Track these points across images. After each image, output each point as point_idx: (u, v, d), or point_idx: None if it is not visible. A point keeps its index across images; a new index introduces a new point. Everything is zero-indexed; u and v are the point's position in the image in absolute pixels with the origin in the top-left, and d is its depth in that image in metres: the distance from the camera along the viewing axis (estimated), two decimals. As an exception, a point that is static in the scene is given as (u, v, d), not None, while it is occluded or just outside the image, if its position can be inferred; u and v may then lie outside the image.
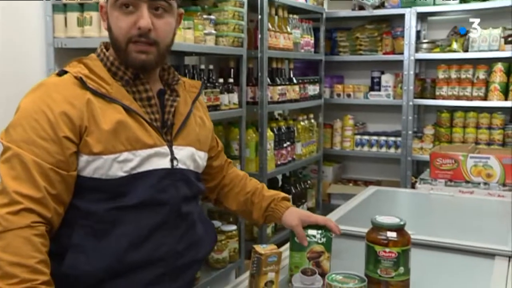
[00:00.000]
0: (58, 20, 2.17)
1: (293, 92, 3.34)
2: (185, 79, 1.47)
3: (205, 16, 2.54)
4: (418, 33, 3.89)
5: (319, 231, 1.38)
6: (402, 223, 1.28)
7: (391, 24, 4.05)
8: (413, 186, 3.54)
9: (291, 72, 3.48)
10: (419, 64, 4.03)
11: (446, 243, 1.63)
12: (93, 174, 1.20)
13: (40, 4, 2.16)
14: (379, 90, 4.05)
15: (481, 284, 1.38)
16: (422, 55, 3.81)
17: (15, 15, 2.09)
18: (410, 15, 3.76)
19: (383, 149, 4.03)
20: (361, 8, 3.98)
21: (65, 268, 1.19)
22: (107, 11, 1.28)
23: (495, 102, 3.59)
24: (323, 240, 1.37)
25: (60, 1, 2.17)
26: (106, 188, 1.21)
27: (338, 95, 4.16)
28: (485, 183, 2.65)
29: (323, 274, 1.27)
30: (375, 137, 4.06)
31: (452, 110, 3.84)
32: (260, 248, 1.25)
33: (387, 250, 1.25)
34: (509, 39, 3.51)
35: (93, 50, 1.38)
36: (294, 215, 1.43)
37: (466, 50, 3.64)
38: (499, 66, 3.58)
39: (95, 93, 1.22)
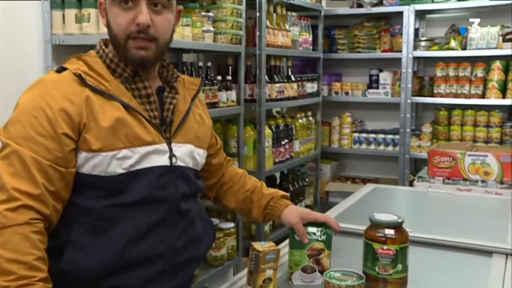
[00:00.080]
0: (56, 17, 2.16)
1: (291, 89, 3.33)
2: (185, 76, 1.47)
3: (203, 13, 2.53)
4: (416, 30, 3.89)
5: (319, 229, 1.38)
6: (400, 220, 1.29)
7: (390, 22, 4.05)
8: (411, 184, 3.55)
9: (289, 70, 3.48)
10: (417, 62, 4.03)
11: (444, 240, 1.63)
12: (92, 171, 1.20)
13: (38, 1, 2.15)
14: (377, 87, 4.05)
15: (478, 282, 1.38)
16: (420, 53, 3.81)
17: (13, 12, 2.09)
18: (408, 12, 3.76)
19: (381, 147, 4.03)
20: (360, 5, 3.98)
21: (63, 265, 1.19)
22: (106, 8, 1.27)
23: (493, 100, 3.59)
24: (323, 237, 1.37)
25: (58, -2, 2.16)
26: (105, 185, 1.21)
27: (336, 92, 4.16)
28: (482, 181, 2.65)
29: (323, 272, 1.27)
30: (373, 135, 4.06)
31: (450, 108, 3.84)
32: (258, 245, 1.25)
33: (385, 247, 1.25)
34: (507, 37, 3.51)
35: (91, 47, 1.37)
36: (293, 212, 1.43)
37: (464, 48, 3.64)
38: (497, 64, 3.59)
39: (94, 90, 1.22)
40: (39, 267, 1.09)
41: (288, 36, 3.28)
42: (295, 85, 3.40)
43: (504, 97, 3.58)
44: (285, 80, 3.29)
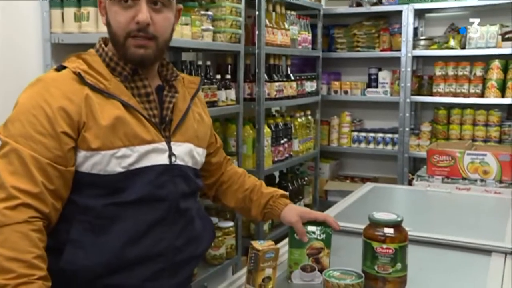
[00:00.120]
0: (55, 15, 2.16)
1: (290, 88, 3.33)
2: (184, 75, 1.47)
3: (202, 12, 2.53)
4: (415, 30, 3.89)
5: (319, 228, 1.38)
6: (399, 219, 1.29)
7: (389, 21, 4.05)
8: (410, 183, 3.55)
9: (289, 69, 3.48)
10: (416, 61, 4.03)
11: (443, 239, 1.63)
12: (91, 169, 1.20)
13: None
14: (376, 87, 4.05)
15: (477, 280, 1.38)
16: (419, 52, 3.81)
17: (12, 11, 2.08)
18: (407, 11, 3.76)
19: (380, 146, 4.03)
20: (359, 4, 3.98)
21: (63, 263, 1.18)
22: (106, 6, 1.27)
23: (492, 99, 3.60)
24: (323, 236, 1.37)
25: (57, -4, 2.16)
26: (104, 183, 1.21)
27: (335, 91, 4.16)
28: (481, 180, 2.66)
29: (322, 270, 1.28)
30: (372, 134, 4.07)
31: (449, 107, 3.84)
32: (257, 244, 1.25)
33: (384, 246, 1.25)
34: (507, 36, 3.52)
35: (90, 45, 1.37)
36: (293, 211, 1.43)
37: (463, 47, 3.65)
38: (496, 63, 3.59)
39: (93, 88, 1.22)
40: (38, 265, 1.09)
41: (287, 35, 3.28)
42: (294, 84, 3.40)
43: (503, 96, 3.59)
44: (284, 79, 3.29)
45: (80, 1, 2.11)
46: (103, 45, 1.32)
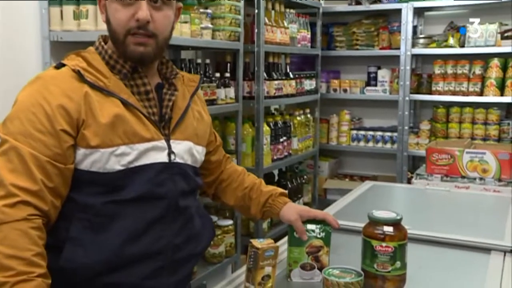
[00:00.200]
0: (54, 13, 2.15)
1: (289, 87, 3.33)
2: (184, 73, 1.47)
3: (201, 10, 2.53)
4: (414, 28, 3.89)
5: (318, 226, 1.38)
6: (398, 217, 1.29)
7: (388, 19, 4.05)
8: (409, 182, 3.56)
9: (288, 67, 3.48)
10: (415, 59, 4.03)
11: (442, 237, 1.63)
12: (90, 167, 1.20)
13: (36, -3, 2.15)
14: (376, 85, 4.05)
15: (477, 278, 1.39)
16: (418, 50, 3.81)
17: (11, 9, 2.08)
18: (406, 10, 3.76)
19: (379, 144, 4.03)
20: (358, 3, 3.98)
21: (62, 261, 1.18)
22: (106, 4, 1.27)
23: (491, 97, 3.60)
24: (322, 234, 1.37)
25: (56, -6, 2.15)
26: (104, 181, 1.21)
27: (335, 90, 4.16)
28: (480, 178, 2.66)
29: (322, 269, 1.28)
30: (371, 132, 4.07)
31: (448, 105, 3.84)
32: (257, 243, 1.25)
33: (384, 244, 1.25)
34: (506, 34, 3.52)
35: (89, 43, 1.37)
36: (292, 210, 1.44)
37: (462, 46, 3.64)
38: (495, 61, 3.59)
39: (92, 86, 1.22)
40: (38, 263, 1.09)
41: (286, 33, 3.28)
42: (293, 82, 3.40)
43: (502, 94, 3.59)
44: (284, 77, 3.29)
45: (79, -2, 2.11)
46: (102, 43, 1.32)
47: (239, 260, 2.85)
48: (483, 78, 3.65)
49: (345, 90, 4.12)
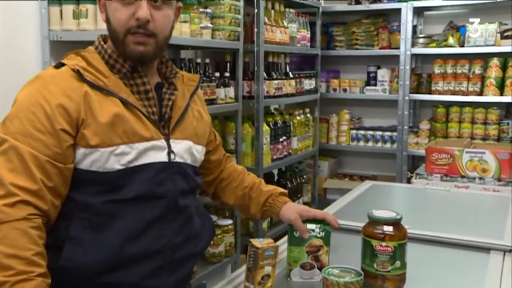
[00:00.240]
0: (53, 12, 2.15)
1: (289, 86, 3.33)
2: (184, 72, 1.47)
3: (201, 10, 2.53)
4: (414, 27, 3.89)
5: (318, 225, 1.38)
6: (398, 217, 1.29)
7: (388, 19, 4.05)
8: (408, 181, 3.56)
9: (287, 67, 3.47)
10: (415, 59, 4.03)
11: (442, 237, 1.63)
12: (90, 167, 1.20)
13: (35, -4, 2.15)
14: (375, 84, 4.05)
15: (476, 278, 1.39)
16: (418, 50, 3.81)
17: (11, 8, 2.08)
18: (406, 9, 3.76)
19: (379, 144, 4.03)
20: (358, 2, 3.98)
21: (62, 261, 1.18)
22: (105, 3, 1.27)
23: (491, 97, 3.60)
24: (322, 234, 1.37)
25: (55, -6, 2.15)
26: (103, 181, 1.20)
27: (334, 89, 4.16)
28: (480, 178, 2.66)
29: (321, 268, 1.28)
30: (371, 132, 4.07)
31: (448, 105, 3.84)
32: (257, 242, 1.25)
33: (384, 244, 1.25)
34: (505, 34, 3.52)
35: (88, 43, 1.37)
36: (292, 209, 1.44)
37: (462, 45, 3.64)
38: (495, 61, 3.59)
39: (92, 85, 1.22)
40: (38, 262, 1.09)
41: (286, 32, 3.28)
42: (293, 82, 3.40)
43: (501, 94, 3.59)
44: (283, 77, 3.29)
45: (78, -2, 2.10)
46: (102, 42, 1.32)
47: (238, 260, 2.85)
48: (482, 78, 3.65)
49: (344, 90, 4.12)
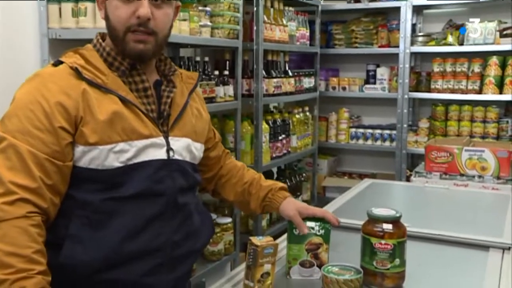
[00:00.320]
0: (52, 10, 2.15)
1: (288, 84, 3.33)
2: (182, 70, 1.47)
3: (200, 8, 2.52)
4: (413, 26, 3.89)
5: (318, 223, 1.38)
6: (398, 215, 1.29)
7: (387, 17, 4.05)
8: (408, 179, 3.56)
9: (287, 65, 3.47)
10: (414, 57, 4.03)
11: (441, 235, 1.63)
12: (89, 164, 1.20)
13: (34, -6, 2.14)
14: (374, 83, 4.05)
15: (475, 276, 1.39)
16: (417, 48, 3.81)
17: (9, 6, 2.07)
18: (405, 8, 3.76)
19: (378, 142, 4.03)
20: (357, 0, 3.98)
21: (62, 258, 1.18)
22: (105, 0, 1.27)
23: (490, 95, 3.60)
24: (322, 232, 1.37)
25: (54, -8, 2.15)
26: (102, 178, 1.21)
27: (334, 88, 4.16)
28: (479, 176, 2.66)
29: (321, 266, 1.28)
30: (370, 130, 4.07)
31: (447, 103, 3.84)
32: (256, 240, 1.25)
33: (383, 242, 1.25)
34: (505, 32, 3.52)
35: (87, 41, 1.37)
36: (291, 205, 1.44)
37: (461, 44, 3.64)
38: (494, 59, 3.59)
39: (91, 83, 1.22)
40: (38, 260, 1.09)
41: (285, 31, 3.28)
42: (292, 80, 3.40)
43: (501, 92, 3.59)
44: (282, 75, 3.28)
45: (77, -4, 2.10)
46: (100, 40, 1.32)
47: (238, 258, 2.85)
48: (482, 76, 3.65)
49: (344, 88, 4.12)
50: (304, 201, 3.69)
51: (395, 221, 1.28)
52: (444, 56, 3.75)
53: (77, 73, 1.21)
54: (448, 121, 3.82)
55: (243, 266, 1.33)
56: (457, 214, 1.98)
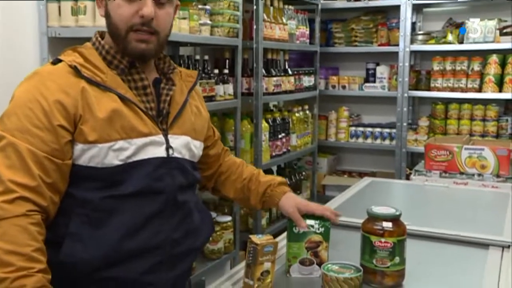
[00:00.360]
0: (52, 9, 2.15)
1: (288, 83, 3.33)
2: (181, 68, 1.47)
3: (200, 6, 2.52)
4: (413, 24, 3.89)
5: (317, 221, 1.38)
6: (397, 213, 1.29)
7: (387, 16, 4.05)
8: (407, 178, 3.56)
9: (286, 63, 3.47)
10: (414, 56, 4.03)
11: (441, 233, 1.64)
12: (88, 162, 1.20)
13: (33, -7, 2.14)
14: (374, 81, 4.05)
15: (475, 274, 1.39)
16: (417, 47, 3.81)
17: (8, 4, 2.07)
18: (405, 6, 3.75)
19: (378, 141, 4.03)
20: (357, -1, 3.98)
21: (62, 256, 1.19)
22: None
23: (490, 94, 3.60)
24: (321, 230, 1.37)
25: (54, -10, 2.15)
26: (102, 176, 1.21)
27: (333, 86, 4.16)
28: (479, 174, 2.66)
29: (321, 264, 1.28)
30: (369, 129, 4.07)
31: (447, 102, 3.84)
32: (256, 238, 1.25)
33: (383, 240, 1.25)
34: (505, 30, 3.51)
35: (87, 39, 1.36)
36: (291, 201, 1.44)
37: (461, 42, 3.64)
38: (494, 58, 3.59)
39: (89, 81, 1.21)
40: (38, 258, 1.09)
41: (285, 29, 3.27)
42: (292, 79, 3.40)
43: (500, 91, 3.59)
44: (282, 74, 3.28)
45: (77, -6, 2.10)
46: (99, 38, 1.31)
47: (237, 256, 2.85)
48: (481, 75, 3.64)
49: (343, 87, 4.12)
50: (304, 199, 3.69)
51: (395, 219, 1.28)
52: (444, 54, 3.75)
53: (76, 72, 1.21)
54: (448, 120, 3.82)
55: (243, 264, 1.33)
56: (457, 212, 1.98)
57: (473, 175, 2.67)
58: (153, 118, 1.27)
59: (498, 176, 2.64)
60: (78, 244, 1.19)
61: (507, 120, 3.67)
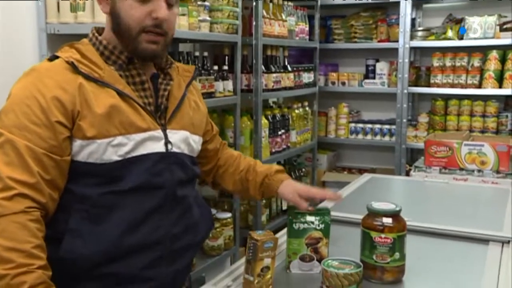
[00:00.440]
0: (50, 5, 2.14)
1: (287, 79, 3.32)
2: (179, 63, 1.47)
3: (199, 3, 2.51)
4: (413, 20, 3.88)
5: (317, 218, 1.38)
6: (397, 209, 1.29)
7: (386, 12, 4.04)
8: (407, 174, 3.55)
9: (286, 60, 3.47)
10: (414, 52, 4.02)
11: (441, 229, 1.63)
12: (87, 158, 1.20)
13: (32, -11, 2.14)
14: (374, 78, 4.04)
15: (475, 269, 1.39)
16: (417, 43, 3.80)
17: (8, 1, 2.07)
18: (405, 2, 3.74)
19: (378, 137, 4.03)
20: (356, -5, 3.97)
21: (62, 253, 1.19)
22: None
23: (490, 90, 3.59)
24: (321, 226, 1.37)
25: (52, -14, 2.14)
26: (101, 172, 1.20)
27: (333, 83, 4.15)
28: (479, 170, 2.66)
29: (321, 260, 1.28)
30: (369, 125, 4.06)
31: (447, 98, 3.84)
32: (256, 234, 1.25)
33: (383, 236, 1.25)
34: (505, 26, 3.51)
35: (86, 36, 1.36)
36: (290, 188, 1.46)
37: (461, 38, 3.63)
38: (494, 54, 3.58)
39: (87, 77, 1.21)
40: (38, 255, 1.09)
41: (284, 26, 3.27)
42: (291, 75, 3.39)
43: (500, 87, 3.58)
44: (282, 70, 3.28)
45: (76, -9, 2.09)
46: (96, 34, 1.31)
47: (237, 253, 2.85)
48: (481, 71, 3.64)
49: (343, 83, 4.12)
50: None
51: (395, 215, 1.28)
52: (444, 50, 3.74)
53: (73, 68, 1.21)
54: (448, 116, 3.82)
55: (243, 260, 1.33)
56: (457, 208, 1.98)
57: (473, 171, 2.66)
58: (151, 113, 1.27)
59: (498, 172, 2.63)
60: (78, 240, 1.19)
61: (507, 116, 3.67)
